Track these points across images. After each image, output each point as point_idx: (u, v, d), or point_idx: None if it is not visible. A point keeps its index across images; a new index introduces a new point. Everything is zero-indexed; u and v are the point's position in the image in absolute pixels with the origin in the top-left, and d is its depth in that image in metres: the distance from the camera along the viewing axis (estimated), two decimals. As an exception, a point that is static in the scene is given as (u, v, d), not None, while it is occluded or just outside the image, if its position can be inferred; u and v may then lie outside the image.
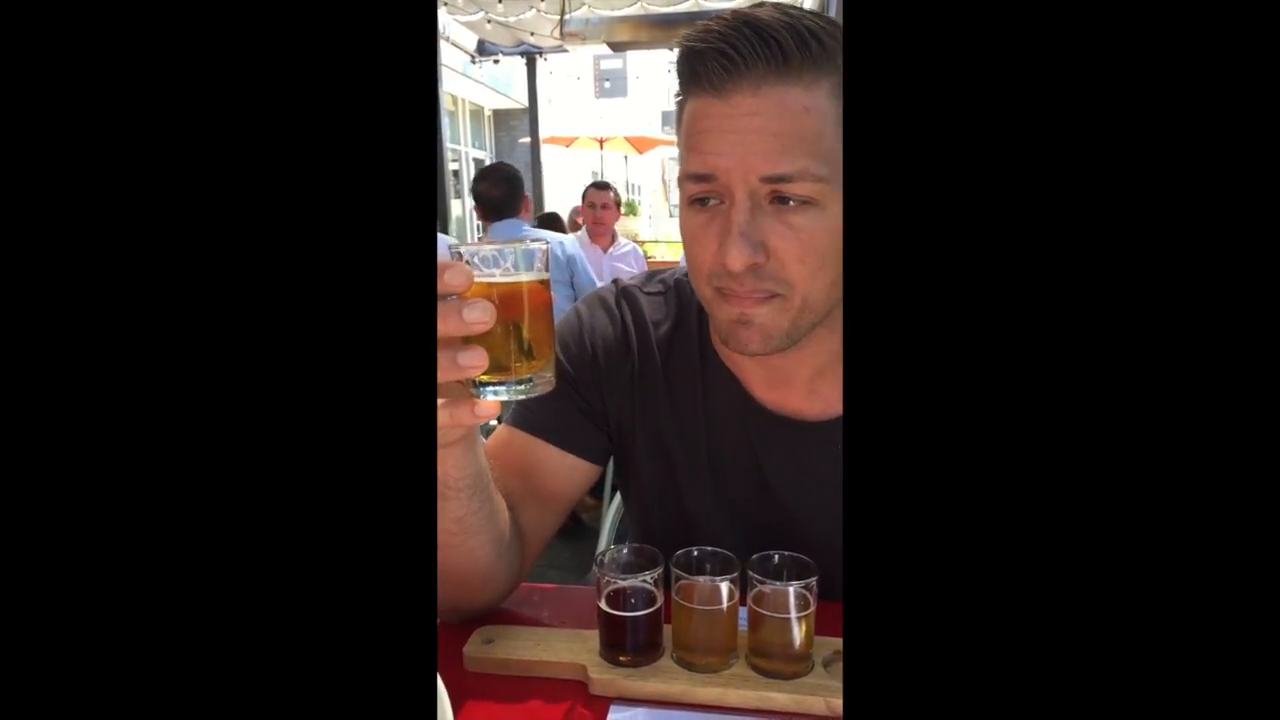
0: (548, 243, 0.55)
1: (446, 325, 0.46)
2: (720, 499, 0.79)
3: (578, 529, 2.84)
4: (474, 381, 0.52)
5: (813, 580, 0.62)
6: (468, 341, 0.49)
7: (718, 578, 0.64)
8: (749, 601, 0.64)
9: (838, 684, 0.62)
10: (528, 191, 2.64)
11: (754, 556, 0.64)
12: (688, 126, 0.65)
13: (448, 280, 0.46)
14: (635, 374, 0.78)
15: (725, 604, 0.64)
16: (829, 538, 0.76)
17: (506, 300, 0.51)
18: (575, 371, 0.78)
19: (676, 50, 0.66)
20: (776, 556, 0.65)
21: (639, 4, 5.79)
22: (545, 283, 0.53)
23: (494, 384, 0.52)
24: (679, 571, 0.64)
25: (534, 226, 2.65)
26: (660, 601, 0.65)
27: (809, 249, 0.62)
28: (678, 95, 0.68)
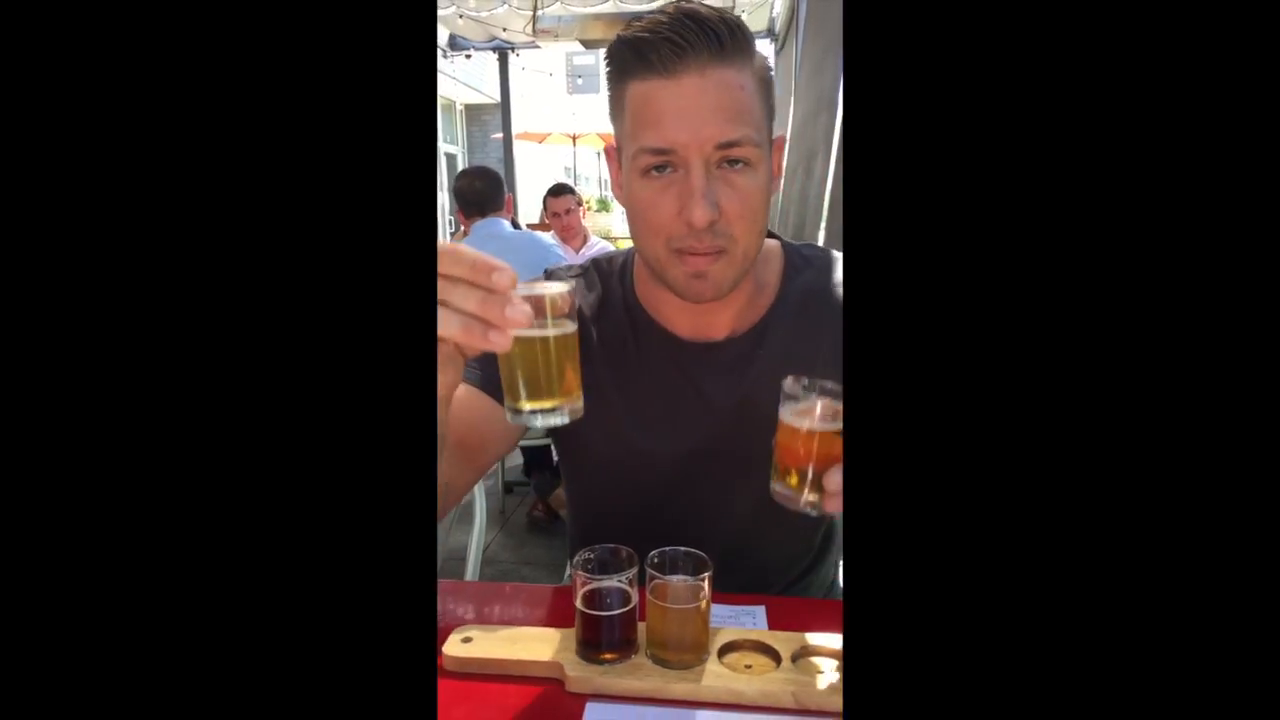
0: (572, 290, 0.61)
1: (489, 312, 0.52)
2: (671, 432, 0.87)
3: (553, 525, 2.86)
4: (518, 409, 0.61)
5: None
6: (511, 370, 0.59)
7: (690, 577, 0.66)
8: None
9: (806, 678, 0.65)
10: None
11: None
12: (639, 107, 0.73)
13: (495, 280, 0.52)
14: None
15: (698, 602, 0.66)
16: (762, 440, 0.84)
17: (546, 346, 0.59)
18: None
19: (619, 38, 0.74)
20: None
21: (611, 1, 5.80)
22: (575, 333, 0.61)
23: (541, 410, 0.61)
24: (653, 571, 0.66)
25: (512, 226, 2.65)
26: (635, 600, 0.67)
27: (747, 205, 0.74)
28: (615, 81, 0.76)
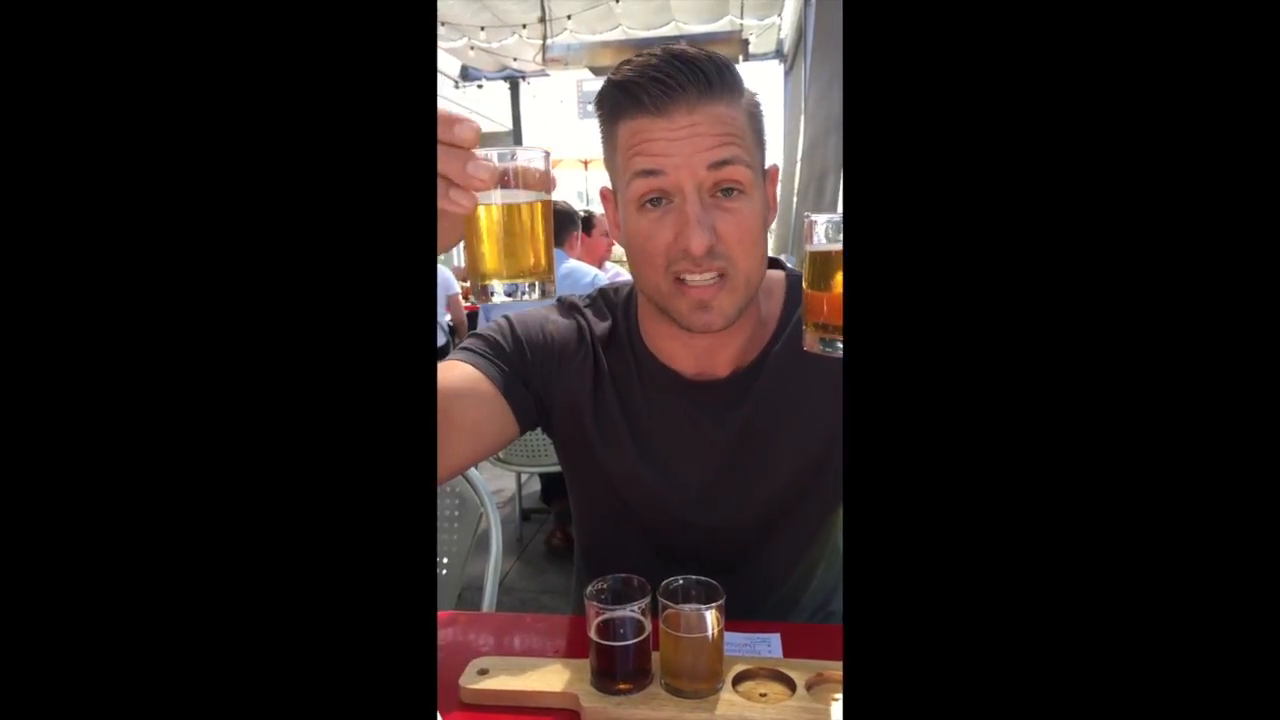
0: (547, 156, 0.58)
1: (449, 167, 0.51)
2: (678, 470, 0.88)
3: (573, 553, 2.85)
4: (484, 288, 0.57)
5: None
6: (478, 240, 0.56)
7: (703, 606, 0.66)
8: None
9: (821, 705, 0.65)
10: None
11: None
12: (629, 141, 0.75)
13: (457, 133, 0.50)
14: (588, 363, 0.89)
15: (711, 631, 0.66)
16: (768, 473, 0.86)
17: (515, 214, 0.56)
18: (530, 353, 0.88)
19: (609, 82, 0.75)
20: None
21: (620, 29, 5.88)
22: (548, 203, 0.58)
23: (508, 284, 0.57)
24: (665, 601, 0.67)
25: (578, 261, 2.71)
26: (648, 630, 0.68)
27: (745, 230, 0.75)
28: (607, 123, 0.78)
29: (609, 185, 0.83)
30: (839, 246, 0.57)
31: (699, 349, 0.85)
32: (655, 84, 0.72)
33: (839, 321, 0.57)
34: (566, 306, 0.94)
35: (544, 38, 5.79)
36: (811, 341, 0.60)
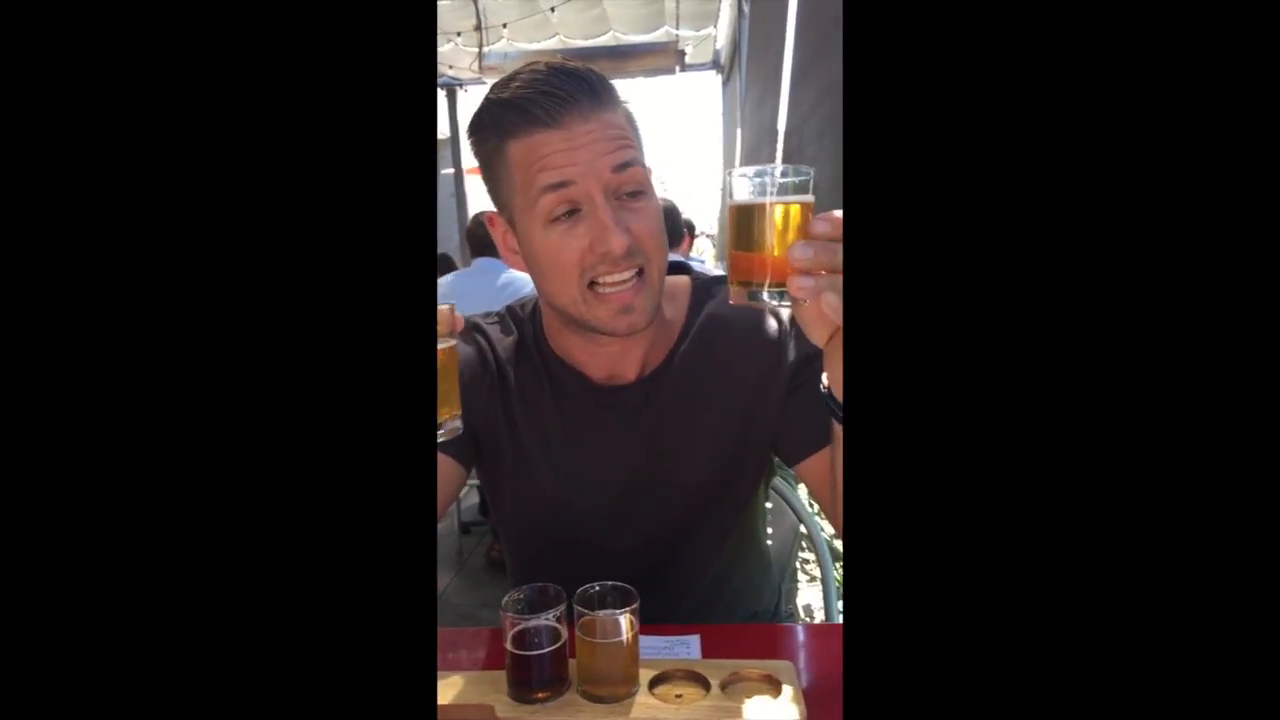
0: (453, 309, 0.65)
1: None
2: (590, 481, 0.90)
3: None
4: None
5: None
6: None
7: (617, 611, 0.67)
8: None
9: (734, 704, 0.66)
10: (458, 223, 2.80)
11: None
12: (528, 158, 0.75)
13: None
14: (495, 384, 0.91)
15: (625, 636, 0.67)
16: (682, 475, 0.89)
17: None
18: None
19: (493, 102, 0.77)
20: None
21: (557, 38, 5.88)
22: (453, 347, 0.65)
23: None
24: (580, 608, 0.67)
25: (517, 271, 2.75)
26: (564, 638, 0.68)
27: (653, 227, 0.78)
28: (493, 143, 0.78)
29: (493, 210, 0.83)
30: (761, 200, 0.59)
31: (607, 354, 0.87)
32: (547, 97, 0.73)
33: (761, 280, 0.60)
34: (468, 329, 0.94)
35: (480, 45, 5.75)
36: (738, 295, 0.62)
